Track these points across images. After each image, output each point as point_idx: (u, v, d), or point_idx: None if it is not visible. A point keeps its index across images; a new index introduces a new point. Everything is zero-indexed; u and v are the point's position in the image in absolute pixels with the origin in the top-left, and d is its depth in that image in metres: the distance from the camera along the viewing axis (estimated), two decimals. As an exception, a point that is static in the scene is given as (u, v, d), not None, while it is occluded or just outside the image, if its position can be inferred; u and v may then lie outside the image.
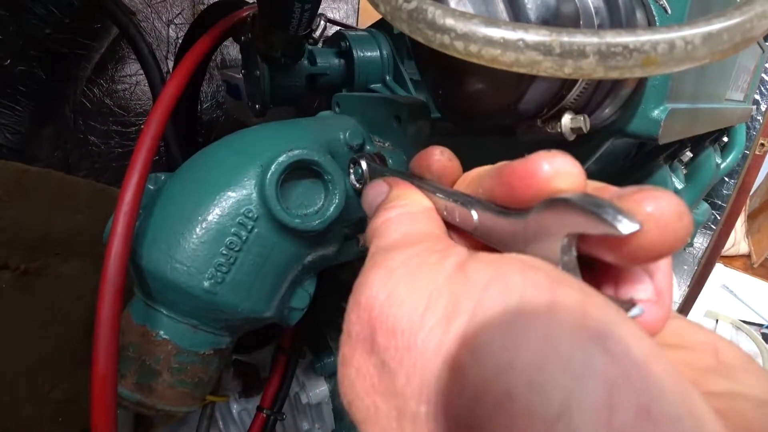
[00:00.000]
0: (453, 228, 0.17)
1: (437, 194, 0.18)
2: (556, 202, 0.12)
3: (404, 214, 0.16)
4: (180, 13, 0.69)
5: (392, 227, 0.16)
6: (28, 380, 0.35)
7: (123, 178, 0.37)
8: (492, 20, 0.16)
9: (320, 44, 0.50)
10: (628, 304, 0.11)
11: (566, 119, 0.24)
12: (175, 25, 0.69)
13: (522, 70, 0.17)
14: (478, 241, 0.16)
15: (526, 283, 0.10)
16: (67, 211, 0.34)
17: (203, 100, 0.74)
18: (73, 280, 0.35)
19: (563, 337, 0.09)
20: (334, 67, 0.47)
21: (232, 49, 0.76)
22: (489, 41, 0.16)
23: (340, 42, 0.47)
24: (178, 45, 0.69)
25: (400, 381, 0.11)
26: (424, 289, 0.11)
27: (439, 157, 0.18)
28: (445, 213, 0.17)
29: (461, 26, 0.16)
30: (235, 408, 0.54)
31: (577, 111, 0.25)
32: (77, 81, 0.54)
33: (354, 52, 0.46)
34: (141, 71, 0.69)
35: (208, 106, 0.76)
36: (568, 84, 0.23)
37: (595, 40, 0.16)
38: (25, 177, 0.32)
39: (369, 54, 0.47)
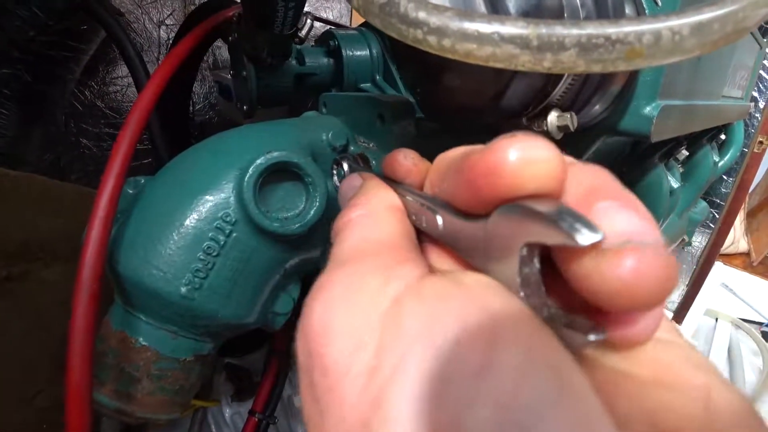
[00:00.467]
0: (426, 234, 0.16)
1: (407, 197, 0.17)
2: (511, 209, 0.11)
3: (365, 216, 0.15)
4: (171, 14, 0.69)
5: (349, 231, 0.14)
6: (11, 387, 0.35)
7: None
8: (466, 13, 0.16)
9: (311, 43, 0.50)
10: (589, 330, 0.10)
11: (552, 117, 0.23)
12: (166, 26, 0.69)
13: (499, 65, 0.16)
14: (450, 251, 0.15)
15: (461, 337, 0.09)
16: (51, 216, 0.33)
17: (196, 101, 0.74)
18: (56, 285, 0.35)
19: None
20: (323, 67, 0.46)
21: (224, 50, 0.75)
22: (463, 35, 0.16)
23: (329, 41, 0.47)
24: (168, 47, 0.68)
25: (329, 424, 0.10)
26: (357, 324, 0.10)
27: (403, 161, 0.17)
28: (413, 218, 0.17)
29: (434, 20, 0.16)
30: (227, 412, 0.53)
31: (563, 108, 0.25)
32: (65, 83, 0.54)
33: (343, 51, 0.45)
34: (132, 73, 0.68)
35: (200, 107, 0.75)
36: (553, 80, 0.23)
37: (574, 31, 0.15)
38: (5, 181, 0.31)
39: (358, 53, 0.46)
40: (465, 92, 0.21)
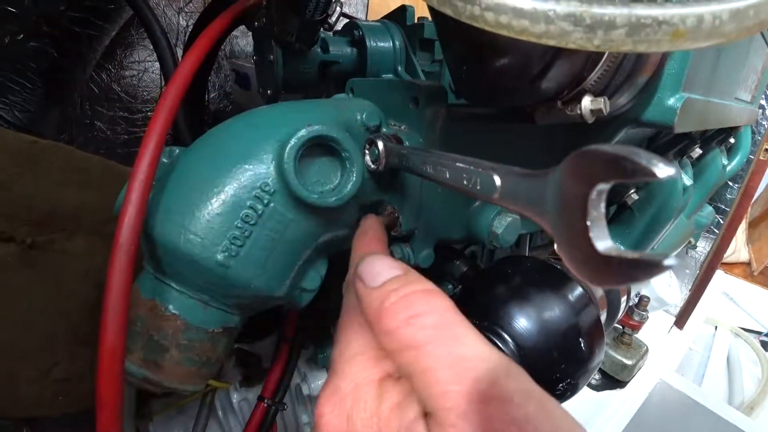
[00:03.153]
0: None
1: (458, 163, 0.18)
2: (585, 154, 0.12)
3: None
4: (191, 1, 0.69)
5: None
6: (28, 358, 0.35)
7: (129, 164, 0.37)
8: (522, -11, 0.16)
9: (331, 35, 0.50)
10: None
11: (586, 101, 0.24)
12: (186, 12, 0.69)
13: (551, 42, 0.17)
14: None
15: None
16: (77, 186, 0.34)
17: (210, 89, 0.74)
18: (79, 257, 0.35)
19: None
20: (346, 56, 0.47)
21: (241, 40, 0.76)
22: (519, 12, 0.16)
23: (353, 31, 0.47)
24: (188, 33, 0.69)
25: None
26: None
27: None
28: (465, 182, 0.17)
29: (492, -4, 0.16)
30: (235, 397, 0.53)
31: (596, 94, 0.25)
32: (87, 63, 0.54)
33: (367, 42, 0.46)
34: (150, 58, 0.69)
35: (215, 96, 0.75)
36: (590, 64, 0.23)
37: (625, 11, 0.16)
38: (34, 149, 0.32)
39: (382, 44, 0.47)
40: (511, 71, 0.22)
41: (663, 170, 0.10)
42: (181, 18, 0.69)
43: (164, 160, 0.27)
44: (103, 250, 0.38)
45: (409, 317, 0.16)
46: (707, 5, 0.16)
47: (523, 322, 0.29)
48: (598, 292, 0.38)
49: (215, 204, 0.24)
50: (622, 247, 0.47)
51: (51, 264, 0.34)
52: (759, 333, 1.17)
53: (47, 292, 0.35)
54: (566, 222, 0.12)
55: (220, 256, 0.24)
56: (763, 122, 0.72)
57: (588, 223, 0.11)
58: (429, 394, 0.15)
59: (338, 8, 0.40)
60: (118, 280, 0.23)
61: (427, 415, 0.15)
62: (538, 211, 0.14)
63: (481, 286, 0.32)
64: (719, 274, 1.18)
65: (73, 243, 0.35)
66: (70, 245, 0.35)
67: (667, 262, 0.10)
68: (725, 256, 0.86)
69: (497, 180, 0.15)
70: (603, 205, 0.12)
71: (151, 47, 0.67)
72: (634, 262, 0.10)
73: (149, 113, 0.71)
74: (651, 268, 0.10)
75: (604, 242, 0.11)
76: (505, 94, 0.24)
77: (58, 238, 0.34)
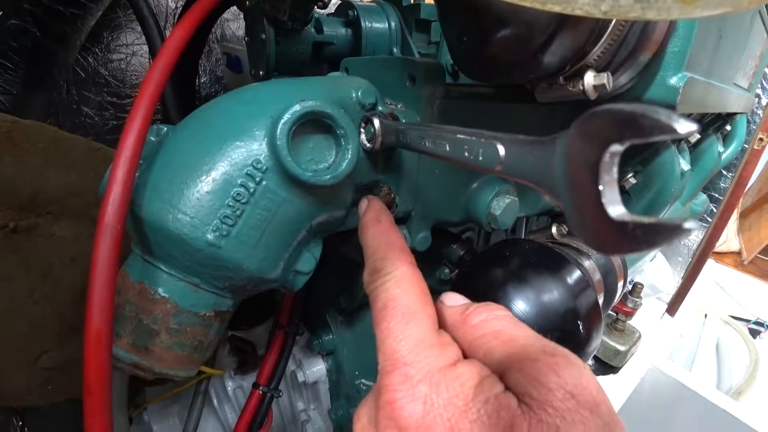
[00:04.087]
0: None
1: (458, 135, 0.17)
2: (602, 112, 0.11)
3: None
4: (180, -19, 0.67)
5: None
6: (15, 346, 0.34)
7: None
8: (528, -51, 0.15)
9: (326, 15, 0.49)
10: None
11: (589, 77, 0.23)
12: (175, -6, 0.67)
13: (556, 9, 0.16)
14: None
15: None
16: (61, 169, 0.32)
17: (201, 74, 0.72)
18: (65, 242, 0.34)
19: None
20: (340, 37, 0.46)
21: (233, 23, 0.74)
22: (523, -26, 0.15)
23: (348, 11, 0.46)
24: (177, 15, 0.67)
25: None
26: None
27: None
28: (466, 154, 0.17)
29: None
30: (230, 385, 0.53)
31: (598, 70, 0.25)
32: (71, 45, 0.52)
33: (362, 22, 0.45)
34: (138, 41, 0.66)
35: (206, 81, 0.73)
36: (593, 38, 0.23)
37: (635, -27, 0.15)
38: (15, 129, 0.30)
39: (377, 25, 0.46)
40: (513, 42, 0.21)
41: (684, 126, 0.09)
42: (170, 0, 0.67)
43: (152, 138, 0.26)
44: (90, 235, 0.36)
45: (493, 316, 0.21)
46: (718, -30, 0.16)
47: (521, 305, 0.29)
48: (596, 276, 0.38)
49: (205, 182, 0.23)
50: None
51: (36, 249, 0.33)
52: (748, 321, 1.19)
53: (33, 279, 0.34)
54: (576, 188, 0.12)
55: (210, 236, 0.23)
56: (758, 111, 0.72)
57: (600, 187, 0.11)
58: (529, 373, 0.17)
59: (332, -15, 0.39)
60: (103, 262, 0.22)
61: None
62: (544, 180, 0.13)
63: (478, 269, 0.32)
64: (710, 263, 1.20)
65: (59, 227, 0.34)
66: (55, 229, 0.34)
67: (687, 224, 0.09)
68: (716, 245, 0.86)
69: (501, 149, 0.14)
70: (615, 169, 0.11)
71: (140, 30, 0.65)
72: (653, 226, 0.10)
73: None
74: (671, 231, 0.10)
75: (617, 208, 0.11)
76: (506, 68, 0.23)
77: (43, 222, 0.33)
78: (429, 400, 0.17)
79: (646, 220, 0.10)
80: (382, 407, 0.18)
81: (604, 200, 0.11)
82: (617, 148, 0.11)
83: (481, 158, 0.15)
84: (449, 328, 0.21)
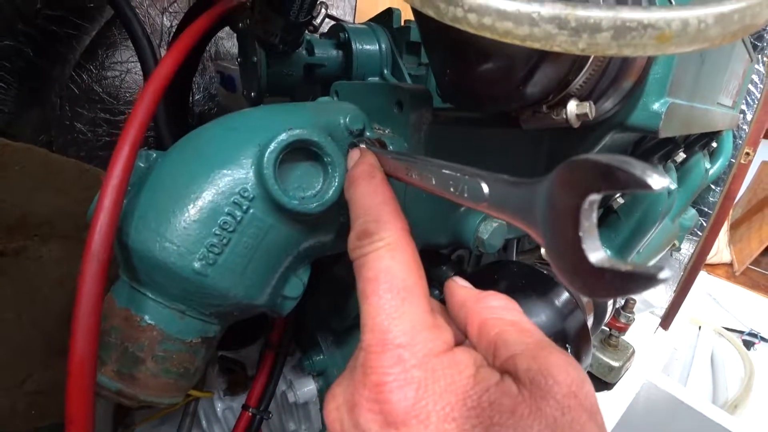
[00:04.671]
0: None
1: (444, 170, 0.17)
2: (577, 163, 0.11)
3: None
4: (175, 1, 0.68)
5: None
6: (1, 370, 0.33)
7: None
8: (505, -8, 0.16)
9: (318, 37, 0.50)
10: None
11: (572, 106, 0.24)
12: (170, 13, 0.68)
13: (536, 45, 0.16)
14: None
15: None
16: (50, 191, 0.32)
17: (195, 91, 0.73)
18: (53, 264, 0.34)
19: None
20: (332, 59, 0.46)
21: (226, 41, 0.75)
22: (503, 14, 0.16)
23: (339, 34, 0.47)
24: (172, 34, 0.68)
25: None
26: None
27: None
28: (452, 190, 0.17)
29: (474, -3, 0.16)
30: (219, 406, 0.52)
31: (581, 99, 0.25)
32: (65, 63, 0.53)
33: (353, 44, 0.45)
34: (132, 58, 0.67)
35: (200, 98, 0.74)
36: (575, 69, 0.23)
37: (610, 14, 0.16)
38: (5, 152, 0.30)
39: (368, 47, 0.47)
40: (495, 75, 0.21)
41: (658, 181, 0.09)
42: (165, 18, 0.68)
43: (141, 164, 0.26)
44: (78, 257, 0.36)
45: (512, 306, 0.20)
46: (692, 9, 0.16)
47: (509, 329, 0.29)
48: (585, 297, 0.38)
49: (192, 210, 0.23)
50: (609, 252, 0.47)
51: (24, 272, 0.33)
52: (741, 332, 1.19)
53: (20, 301, 0.33)
54: (556, 232, 0.12)
55: (197, 264, 0.23)
56: (744, 127, 0.74)
57: (580, 234, 0.11)
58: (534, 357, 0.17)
59: (323, 10, 0.39)
60: (89, 289, 0.22)
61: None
62: (527, 220, 0.13)
63: (467, 292, 0.32)
64: (702, 275, 1.20)
65: (47, 249, 0.34)
66: (44, 251, 0.33)
67: (662, 275, 0.10)
68: (708, 257, 0.87)
69: (485, 188, 0.15)
70: (595, 216, 0.11)
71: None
72: (629, 275, 0.10)
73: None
74: (645, 281, 0.10)
75: (596, 254, 0.11)
76: (489, 98, 0.24)
77: (31, 245, 0.33)
78: (423, 386, 0.16)
79: (623, 267, 0.11)
80: (368, 388, 0.17)
81: (584, 246, 0.11)
82: (595, 197, 0.11)
83: (466, 195, 0.16)
84: (458, 305, 0.21)
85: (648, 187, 0.09)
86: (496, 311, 0.20)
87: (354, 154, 0.25)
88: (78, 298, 0.22)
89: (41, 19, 0.42)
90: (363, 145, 0.26)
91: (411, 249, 0.19)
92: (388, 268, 0.18)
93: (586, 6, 0.16)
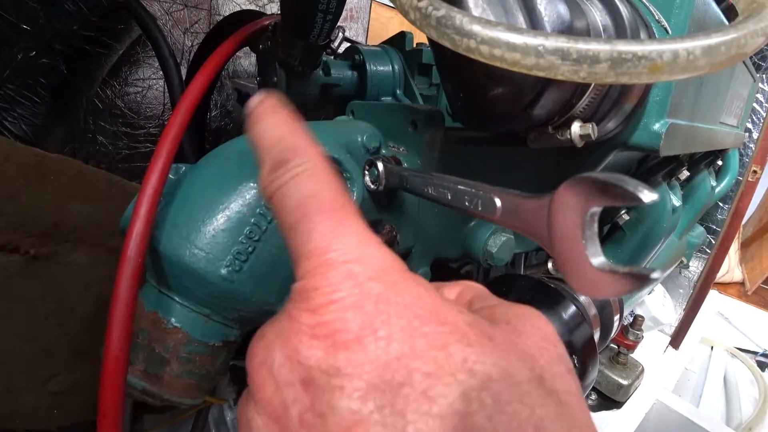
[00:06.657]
0: None
1: (459, 186, 0.19)
2: (580, 181, 0.13)
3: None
4: (197, 22, 0.72)
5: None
6: (27, 369, 0.35)
7: (129, 179, 0.38)
8: (514, 27, 0.18)
9: (333, 58, 0.52)
10: None
11: (576, 127, 0.26)
12: (191, 33, 0.72)
13: (541, 74, 0.18)
14: None
15: None
16: (82, 200, 0.34)
17: (212, 107, 0.76)
18: (81, 270, 0.36)
19: None
20: (347, 79, 0.49)
21: (244, 60, 0.78)
22: (512, 46, 0.18)
23: (354, 55, 0.49)
24: (193, 52, 0.71)
25: None
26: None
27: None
28: (466, 203, 0.18)
29: (487, 32, 0.18)
30: (229, 415, 0.53)
31: (585, 120, 0.27)
32: (94, 80, 0.56)
33: (367, 66, 0.48)
34: (154, 76, 0.70)
35: (216, 114, 0.77)
36: (578, 93, 0.25)
37: (608, 47, 0.18)
38: (43, 162, 0.33)
39: (381, 68, 0.49)
40: (505, 99, 0.23)
41: (648, 196, 0.11)
42: (186, 38, 0.72)
43: (171, 176, 0.28)
44: (105, 264, 0.38)
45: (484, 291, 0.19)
46: (682, 42, 0.18)
47: (517, 339, 0.30)
48: (591, 310, 0.39)
49: (221, 220, 0.25)
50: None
51: (53, 276, 0.35)
52: (755, 353, 1.17)
53: (48, 304, 0.35)
54: (563, 241, 0.13)
55: (224, 271, 0.25)
56: (750, 145, 0.75)
57: (583, 241, 0.13)
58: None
59: (341, 33, 0.42)
60: (124, 292, 0.23)
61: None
62: (535, 231, 0.15)
63: (476, 303, 0.33)
64: (714, 294, 1.19)
65: (76, 255, 0.35)
66: (73, 257, 0.35)
67: (654, 275, 0.11)
68: (719, 276, 0.87)
69: (498, 202, 0.16)
70: (595, 226, 0.13)
71: (156, 65, 0.69)
72: (626, 275, 0.12)
73: (151, 129, 0.72)
74: (639, 280, 0.11)
75: (598, 259, 0.13)
76: (499, 120, 0.25)
77: (62, 251, 0.35)
78: (384, 300, 0.13)
79: (621, 269, 0.12)
80: (311, 311, 0.13)
81: (587, 252, 0.13)
82: (596, 209, 0.13)
83: (480, 208, 0.17)
84: None
85: (639, 200, 0.11)
86: (459, 284, 0.19)
87: (252, 100, 0.19)
88: (114, 300, 0.23)
89: (77, 39, 0.45)
90: (380, 163, 0.28)
91: (335, 177, 0.16)
92: (313, 192, 0.15)
93: (586, 39, 0.18)
